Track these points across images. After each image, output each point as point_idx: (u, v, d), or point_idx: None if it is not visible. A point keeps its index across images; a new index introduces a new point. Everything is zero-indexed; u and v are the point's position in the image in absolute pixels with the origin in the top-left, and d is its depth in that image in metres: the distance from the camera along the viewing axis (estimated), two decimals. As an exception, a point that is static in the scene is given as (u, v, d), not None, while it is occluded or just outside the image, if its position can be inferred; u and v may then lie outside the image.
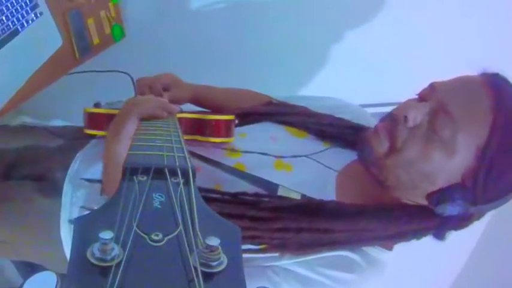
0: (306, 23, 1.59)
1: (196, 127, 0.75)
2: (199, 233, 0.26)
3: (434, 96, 0.67)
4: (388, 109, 0.74)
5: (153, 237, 0.26)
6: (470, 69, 0.70)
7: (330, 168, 0.75)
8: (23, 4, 0.94)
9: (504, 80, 0.67)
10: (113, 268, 0.22)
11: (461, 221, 0.68)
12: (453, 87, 0.67)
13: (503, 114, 0.63)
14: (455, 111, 0.63)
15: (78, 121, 0.87)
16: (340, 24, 1.59)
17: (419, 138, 0.66)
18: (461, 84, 0.68)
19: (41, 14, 1.00)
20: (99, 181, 0.73)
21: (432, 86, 0.69)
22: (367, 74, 1.57)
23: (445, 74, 0.70)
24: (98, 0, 1.29)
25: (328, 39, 1.63)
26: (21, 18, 0.94)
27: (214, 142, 0.76)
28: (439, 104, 0.66)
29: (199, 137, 0.75)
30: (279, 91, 0.99)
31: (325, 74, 1.67)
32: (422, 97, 0.70)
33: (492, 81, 0.66)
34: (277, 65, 1.65)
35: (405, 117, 0.67)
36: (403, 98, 0.74)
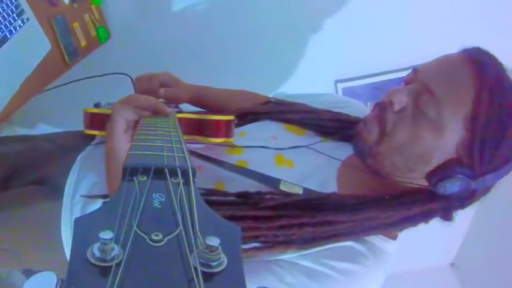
0: (292, 19, 1.61)
1: (196, 127, 0.75)
2: (199, 233, 0.26)
3: (417, 79, 0.69)
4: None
5: (153, 237, 0.26)
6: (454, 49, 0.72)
7: (333, 157, 0.75)
8: (9, 11, 0.96)
9: (484, 52, 0.69)
10: (113, 268, 0.22)
11: (466, 198, 0.68)
12: (434, 67, 0.69)
13: (485, 83, 0.63)
14: (437, 89, 0.65)
15: (76, 126, 0.87)
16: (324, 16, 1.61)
17: (407, 121, 0.67)
18: (442, 63, 0.69)
19: (27, 20, 1.02)
20: (99, 196, 0.73)
21: (415, 70, 0.71)
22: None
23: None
24: (80, 4, 1.30)
25: (313, 33, 1.64)
26: (8, 25, 0.96)
27: (214, 142, 0.76)
28: (422, 84, 0.67)
29: (199, 137, 0.75)
30: (268, 89, 0.99)
31: (314, 69, 1.69)
32: (407, 82, 0.72)
33: (472, 55, 0.67)
34: (262, 56, 1.67)
35: (391, 102, 0.69)
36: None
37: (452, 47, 0.71)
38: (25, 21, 1.01)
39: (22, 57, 1.01)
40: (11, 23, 0.96)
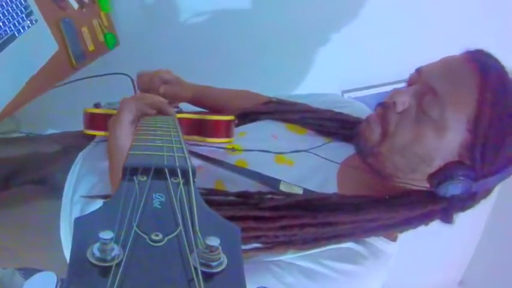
0: (299, 29, 1.61)
1: (196, 127, 0.75)
2: (199, 233, 0.26)
3: (420, 80, 0.69)
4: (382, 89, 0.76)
5: (153, 237, 0.26)
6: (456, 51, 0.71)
7: (331, 161, 0.75)
8: (19, 11, 0.97)
9: (487, 54, 0.69)
10: (113, 268, 0.22)
11: (467, 201, 0.68)
12: (437, 68, 0.69)
13: (489, 86, 0.63)
14: (440, 90, 0.65)
15: (76, 126, 0.87)
16: (325, 21, 1.60)
17: (410, 121, 0.67)
18: (445, 64, 0.69)
19: (35, 21, 1.03)
20: (99, 197, 0.73)
21: (418, 71, 0.71)
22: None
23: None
24: (89, 9, 1.30)
25: (316, 37, 1.64)
26: (17, 25, 0.96)
27: (214, 142, 0.76)
28: (425, 85, 0.67)
29: (199, 138, 0.75)
30: (271, 92, 0.99)
31: (316, 71, 1.68)
32: (410, 83, 0.72)
33: (475, 56, 0.67)
34: (268, 66, 1.67)
35: (394, 102, 0.68)
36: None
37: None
38: (33, 22, 1.02)
39: (28, 56, 1.01)
40: (19, 23, 0.97)
